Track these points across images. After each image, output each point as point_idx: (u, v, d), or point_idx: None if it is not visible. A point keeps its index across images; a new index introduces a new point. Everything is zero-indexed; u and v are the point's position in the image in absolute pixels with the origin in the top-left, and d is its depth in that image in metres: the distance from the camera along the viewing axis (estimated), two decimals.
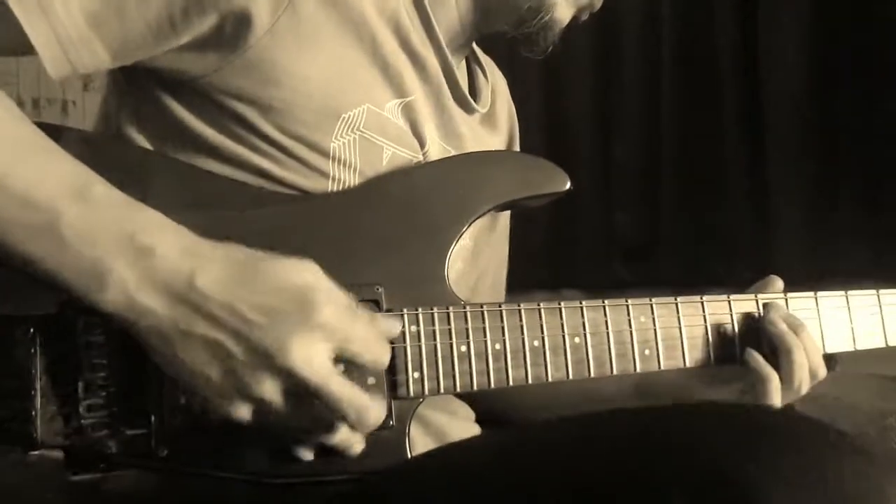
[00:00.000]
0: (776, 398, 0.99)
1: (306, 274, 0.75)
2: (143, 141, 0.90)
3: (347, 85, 0.90)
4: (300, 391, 0.74)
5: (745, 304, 1.04)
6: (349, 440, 0.79)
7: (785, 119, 2.24)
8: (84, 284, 0.71)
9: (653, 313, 0.97)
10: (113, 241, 0.72)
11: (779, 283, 1.07)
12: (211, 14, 0.83)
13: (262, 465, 0.81)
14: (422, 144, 0.97)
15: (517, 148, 1.21)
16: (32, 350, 0.77)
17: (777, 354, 1.00)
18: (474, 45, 1.14)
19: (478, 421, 1.09)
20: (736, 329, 1.02)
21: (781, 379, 0.99)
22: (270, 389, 0.73)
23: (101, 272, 0.71)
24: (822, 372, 1.03)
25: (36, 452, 0.77)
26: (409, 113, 0.96)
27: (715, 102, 2.35)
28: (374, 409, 0.76)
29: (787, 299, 1.06)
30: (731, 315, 1.03)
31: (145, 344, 0.73)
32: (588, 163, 2.52)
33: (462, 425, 1.04)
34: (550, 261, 2.50)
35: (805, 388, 1.00)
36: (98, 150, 0.82)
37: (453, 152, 1.02)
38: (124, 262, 0.71)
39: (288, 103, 0.87)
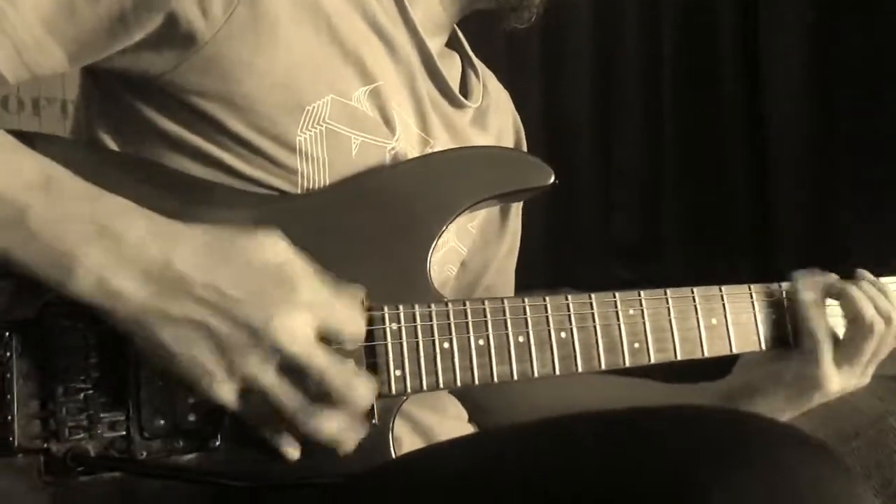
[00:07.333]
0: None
1: (278, 250, 0.76)
2: (115, 145, 0.89)
3: (309, 76, 0.89)
4: (286, 367, 0.74)
5: (738, 296, 1.02)
6: (342, 434, 0.77)
7: (785, 119, 2.23)
8: (56, 275, 0.71)
9: (641, 306, 0.96)
10: (82, 229, 0.72)
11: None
12: (160, 11, 0.82)
13: (242, 467, 0.80)
14: (392, 131, 0.95)
15: None
16: (8, 354, 0.76)
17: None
18: (471, 53, 1.13)
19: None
20: (729, 322, 1.00)
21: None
22: (257, 365, 0.73)
23: (71, 260, 0.71)
24: None
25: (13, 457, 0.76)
26: (377, 99, 0.94)
27: (715, 103, 2.35)
28: (362, 382, 0.76)
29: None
30: (724, 307, 1.01)
31: (124, 331, 0.73)
32: (588, 163, 2.51)
33: (452, 425, 1.02)
34: (550, 261, 2.47)
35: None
36: (65, 153, 0.81)
37: (429, 140, 1.01)
38: (95, 249, 0.71)
39: (250, 99, 0.86)
